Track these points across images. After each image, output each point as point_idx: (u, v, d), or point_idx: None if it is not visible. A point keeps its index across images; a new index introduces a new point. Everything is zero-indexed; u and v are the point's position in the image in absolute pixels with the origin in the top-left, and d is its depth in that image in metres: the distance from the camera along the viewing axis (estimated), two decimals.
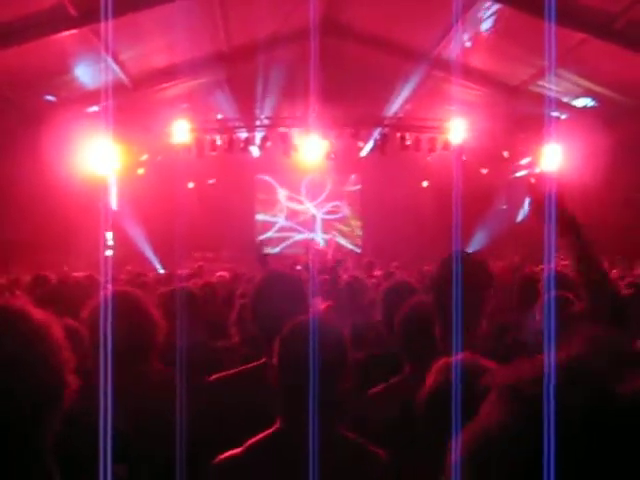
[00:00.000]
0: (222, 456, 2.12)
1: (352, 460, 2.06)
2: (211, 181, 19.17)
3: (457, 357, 1.96)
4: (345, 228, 21.30)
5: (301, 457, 2.03)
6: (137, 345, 2.75)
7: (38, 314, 1.43)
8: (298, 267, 10.94)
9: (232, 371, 2.94)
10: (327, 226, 21.16)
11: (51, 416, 1.39)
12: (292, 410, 2.13)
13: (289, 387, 2.14)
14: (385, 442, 2.20)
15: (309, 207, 21.19)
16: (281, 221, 21.15)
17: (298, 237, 20.80)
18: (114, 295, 2.77)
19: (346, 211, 21.44)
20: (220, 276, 9.83)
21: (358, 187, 21.22)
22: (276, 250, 19.28)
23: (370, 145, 17.64)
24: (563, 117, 14.93)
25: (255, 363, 2.79)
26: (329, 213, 21.35)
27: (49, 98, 13.30)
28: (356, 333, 4.24)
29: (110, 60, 11.93)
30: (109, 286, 3.25)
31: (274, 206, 21.21)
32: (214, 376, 2.96)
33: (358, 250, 20.22)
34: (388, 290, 4.06)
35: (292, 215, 21.22)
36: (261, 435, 2.14)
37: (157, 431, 2.36)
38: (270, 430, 2.15)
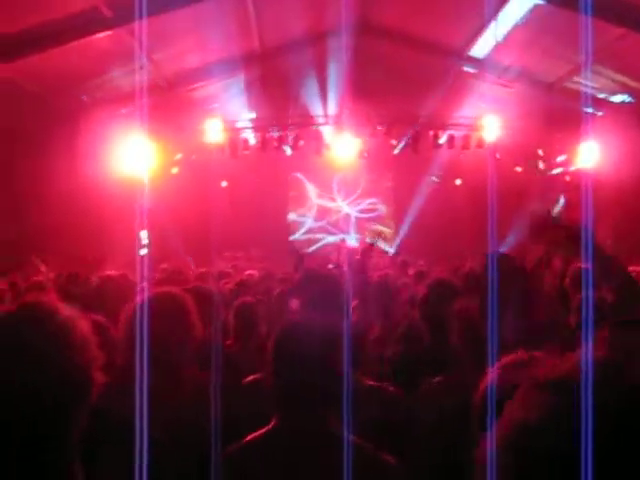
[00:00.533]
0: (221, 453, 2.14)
1: (359, 466, 2.04)
2: (244, 180, 19.24)
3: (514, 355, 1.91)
4: (379, 226, 21.22)
5: (295, 455, 2.03)
6: (175, 349, 2.69)
7: (66, 310, 1.44)
8: (330, 266, 10.94)
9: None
10: (361, 225, 21.10)
11: (77, 412, 1.39)
12: (287, 408, 2.14)
13: (284, 385, 2.14)
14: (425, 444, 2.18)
15: (342, 206, 21.16)
16: (313, 220, 21.14)
17: (330, 238, 20.79)
18: (158, 296, 2.72)
19: (380, 209, 21.37)
20: (249, 274, 9.87)
21: (391, 185, 21.12)
22: (309, 250, 19.28)
23: (403, 143, 17.54)
24: (599, 114, 14.68)
25: None
26: (363, 212, 21.30)
27: (84, 98, 13.46)
28: (385, 331, 4.23)
29: (144, 60, 12.05)
30: (145, 285, 3.25)
31: (307, 205, 21.22)
32: (250, 377, 2.99)
33: (392, 249, 20.13)
34: (430, 289, 3.99)
35: (325, 214, 21.20)
36: (257, 432, 2.16)
37: (192, 440, 2.36)
38: (266, 428, 2.16)
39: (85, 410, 1.41)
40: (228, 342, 4.38)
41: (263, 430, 2.15)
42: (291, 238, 20.17)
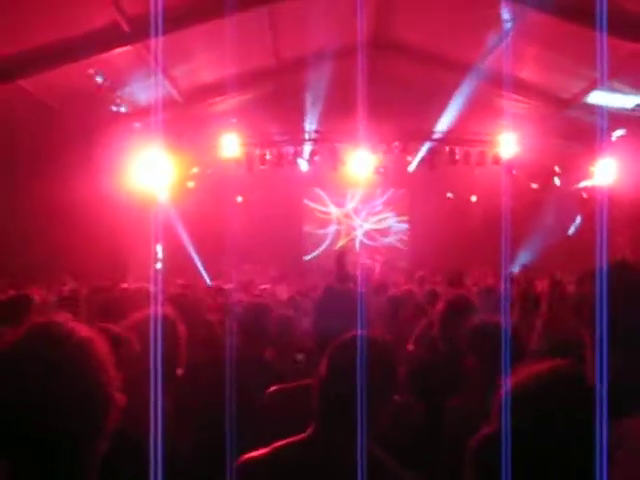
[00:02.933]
0: (247, 456, 2.12)
1: None
2: (259, 195, 19.31)
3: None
4: (394, 242, 21.19)
5: (329, 467, 2.02)
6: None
7: (82, 330, 1.43)
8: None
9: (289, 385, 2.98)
10: (376, 240, 21.09)
11: (97, 432, 1.38)
12: (329, 421, 2.12)
13: (332, 399, 2.13)
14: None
15: (358, 221, 21.17)
16: (329, 236, 21.15)
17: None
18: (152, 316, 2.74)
19: (395, 225, 21.35)
20: (263, 289, 9.90)
21: (406, 201, 21.11)
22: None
23: (419, 159, 17.54)
24: (617, 131, 14.63)
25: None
26: (378, 228, 21.27)
27: (102, 113, 13.59)
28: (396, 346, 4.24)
29: (161, 75, 12.16)
30: (159, 298, 3.27)
31: (322, 220, 21.24)
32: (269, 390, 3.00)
33: (407, 265, 20.08)
34: (448, 306, 3.99)
35: (340, 229, 21.21)
36: (291, 439, 2.14)
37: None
38: (301, 436, 2.15)
39: (106, 431, 1.40)
40: (267, 352, 4.48)
41: (297, 437, 2.15)
42: (308, 257, 20.21)
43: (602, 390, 1.46)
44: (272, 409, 2.88)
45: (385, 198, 21.01)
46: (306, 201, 21.09)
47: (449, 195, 19.49)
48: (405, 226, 21.31)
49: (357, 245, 20.89)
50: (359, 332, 2.25)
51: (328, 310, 3.01)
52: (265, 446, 2.16)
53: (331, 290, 3.25)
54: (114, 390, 1.40)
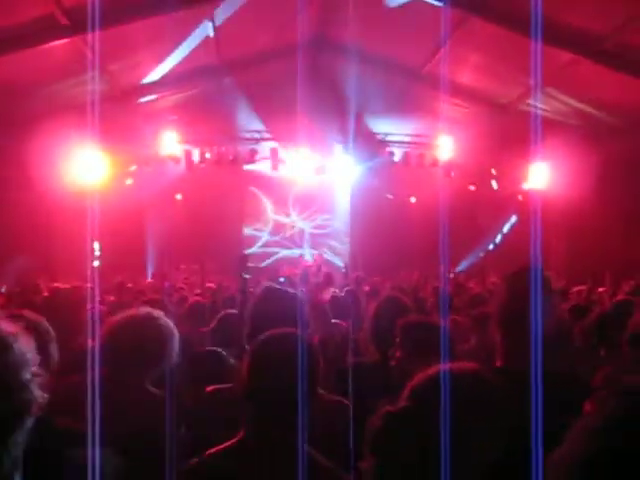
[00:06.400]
0: (183, 466, 2.10)
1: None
2: (199, 193, 19.15)
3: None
4: (333, 243, 21.27)
5: (262, 469, 2.01)
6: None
7: (5, 327, 1.39)
8: (281, 279, 10.96)
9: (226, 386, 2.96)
10: (315, 241, 21.12)
11: (16, 432, 1.36)
12: (259, 421, 2.11)
13: (259, 398, 2.12)
14: None
15: (297, 221, 21.15)
16: (268, 235, 21.08)
17: (285, 252, 20.77)
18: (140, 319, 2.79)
19: (335, 226, 21.40)
20: (208, 287, 9.83)
21: (347, 202, 21.20)
22: (261, 264, 19.21)
23: (359, 160, 17.67)
24: (550, 136, 15.05)
25: None
26: (318, 228, 21.31)
27: (36, 107, 13.24)
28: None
29: (99, 70, 11.92)
30: (97, 297, 3.23)
31: (262, 220, 21.15)
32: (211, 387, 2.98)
33: (344, 265, 20.20)
34: (379, 307, 4.00)
35: (280, 229, 21.17)
36: (223, 445, 2.12)
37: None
38: (233, 440, 2.12)
39: (24, 428, 1.37)
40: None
41: (229, 442, 2.12)
42: (246, 252, 20.09)
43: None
44: (208, 411, 2.85)
45: (325, 198, 21.03)
46: (246, 200, 20.96)
47: (389, 196, 19.67)
48: (345, 223, 21.34)
49: (296, 245, 20.88)
50: (281, 330, 2.25)
51: (264, 310, 3.01)
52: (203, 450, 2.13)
53: (269, 290, 3.24)
54: (35, 387, 1.37)
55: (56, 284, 6.04)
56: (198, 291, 9.37)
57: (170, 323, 2.95)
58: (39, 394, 1.38)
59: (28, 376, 1.36)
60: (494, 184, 18.09)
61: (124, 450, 1.99)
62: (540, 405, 1.45)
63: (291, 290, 3.27)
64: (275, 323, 2.41)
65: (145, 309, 3.00)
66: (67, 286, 5.39)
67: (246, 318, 3.08)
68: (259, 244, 20.86)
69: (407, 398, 1.76)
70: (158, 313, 2.96)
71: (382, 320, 3.71)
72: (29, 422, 1.37)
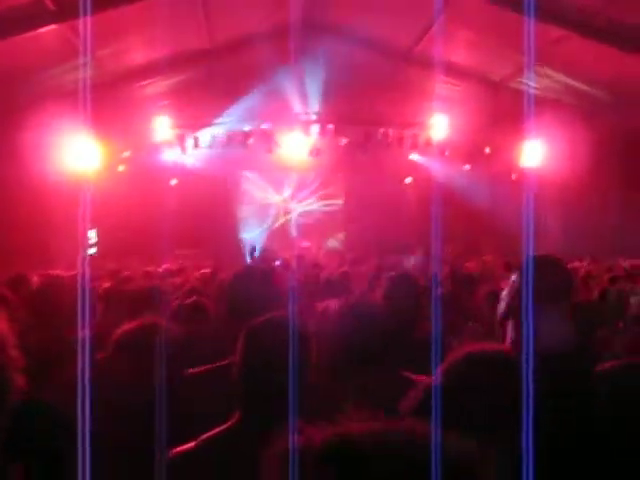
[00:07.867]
0: (175, 451, 2.10)
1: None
2: (193, 178, 19.09)
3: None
4: (329, 225, 21.21)
5: (257, 453, 1.99)
6: None
7: None
8: (277, 262, 10.96)
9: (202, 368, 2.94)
10: (310, 223, 21.06)
11: None
12: (253, 405, 2.11)
13: (253, 381, 2.12)
14: None
15: (292, 204, 21.08)
16: (263, 218, 21.01)
17: (280, 235, 20.73)
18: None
19: (330, 208, 21.33)
20: (203, 273, 9.79)
21: (341, 184, 21.14)
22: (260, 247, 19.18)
23: (353, 141, 17.61)
24: (544, 113, 15.01)
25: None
26: (313, 210, 21.22)
27: (27, 94, 13.15)
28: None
29: (90, 56, 11.81)
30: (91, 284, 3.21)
31: (257, 203, 21.07)
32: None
33: (341, 247, 20.19)
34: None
35: (275, 212, 21.10)
36: (217, 429, 2.12)
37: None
38: (227, 424, 2.12)
39: (3, 412, 1.36)
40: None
41: (223, 426, 2.11)
42: (241, 236, 20.06)
43: None
44: (194, 391, 2.83)
45: (320, 180, 20.95)
46: (240, 184, 20.89)
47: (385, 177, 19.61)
48: (340, 205, 21.27)
49: (292, 228, 20.83)
50: (274, 313, 2.24)
51: (242, 289, 2.99)
52: (192, 433, 2.13)
53: (250, 269, 3.23)
54: (13, 371, 1.37)
55: (49, 272, 6.02)
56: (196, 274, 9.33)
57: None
58: (18, 378, 1.37)
59: (3, 360, 1.36)
60: (488, 163, 18.03)
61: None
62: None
63: (265, 268, 3.25)
64: (253, 303, 2.40)
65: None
66: (58, 273, 5.39)
67: (222, 298, 3.06)
68: (254, 228, 20.81)
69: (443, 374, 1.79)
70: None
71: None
72: (7, 406, 1.37)
